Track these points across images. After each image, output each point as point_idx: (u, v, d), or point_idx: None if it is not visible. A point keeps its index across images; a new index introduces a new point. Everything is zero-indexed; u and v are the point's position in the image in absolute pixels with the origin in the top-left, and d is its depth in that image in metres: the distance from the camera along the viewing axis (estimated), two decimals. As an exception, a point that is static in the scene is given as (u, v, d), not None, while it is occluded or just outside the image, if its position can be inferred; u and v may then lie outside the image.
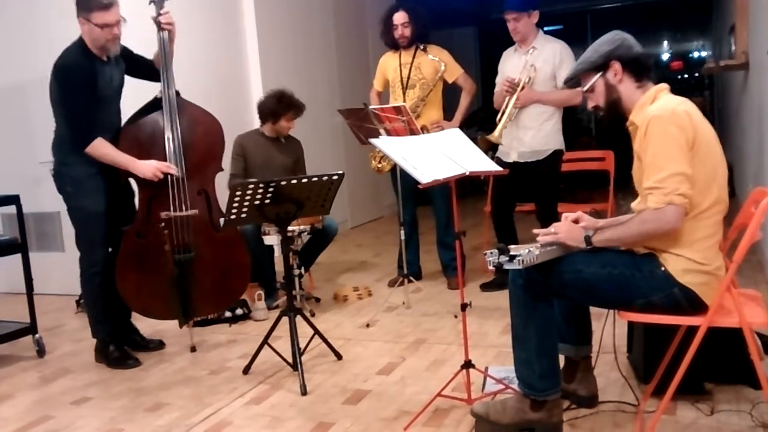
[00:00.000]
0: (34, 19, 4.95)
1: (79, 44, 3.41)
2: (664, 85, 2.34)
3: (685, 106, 2.21)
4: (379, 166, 4.72)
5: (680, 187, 2.12)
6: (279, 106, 4.49)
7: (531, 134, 4.19)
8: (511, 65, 4.30)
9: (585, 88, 2.40)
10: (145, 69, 3.69)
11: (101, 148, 3.42)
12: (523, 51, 4.22)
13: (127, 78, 3.66)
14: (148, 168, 3.48)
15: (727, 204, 2.26)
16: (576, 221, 2.42)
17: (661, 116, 2.17)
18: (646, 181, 2.19)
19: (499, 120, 4.14)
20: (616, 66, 2.32)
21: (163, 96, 3.60)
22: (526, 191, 4.40)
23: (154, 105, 3.64)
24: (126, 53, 3.62)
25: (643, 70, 2.34)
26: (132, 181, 3.65)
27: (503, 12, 4.19)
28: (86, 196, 3.48)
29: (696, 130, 2.17)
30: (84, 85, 3.35)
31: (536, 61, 4.14)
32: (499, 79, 4.37)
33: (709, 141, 2.21)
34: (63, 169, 3.51)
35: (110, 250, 3.56)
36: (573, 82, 2.46)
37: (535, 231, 2.41)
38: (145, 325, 3.91)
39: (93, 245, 3.53)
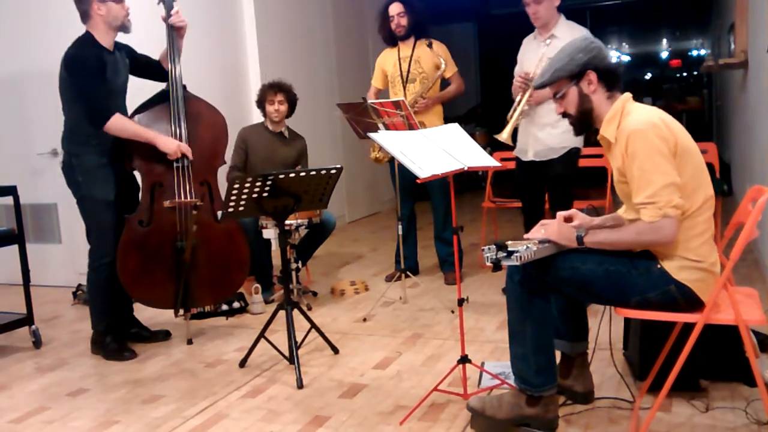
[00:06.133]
0: (33, 12, 4.93)
1: (87, 36, 3.47)
2: (628, 95, 2.34)
3: (659, 113, 2.23)
4: (378, 156, 4.68)
5: (673, 198, 2.13)
6: (262, 90, 4.56)
7: (547, 131, 3.93)
8: (529, 55, 4.02)
9: (558, 95, 2.38)
10: (152, 69, 3.75)
11: (121, 122, 3.46)
12: (543, 39, 3.94)
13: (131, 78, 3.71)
14: (172, 143, 3.54)
15: (713, 198, 2.27)
16: (569, 218, 2.42)
17: (641, 129, 2.17)
18: (636, 196, 2.19)
19: (510, 117, 3.92)
20: (592, 76, 2.31)
21: (170, 89, 3.64)
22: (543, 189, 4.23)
23: (161, 97, 3.69)
24: (131, 53, 3.67)
25: (615, 80, 2.33)
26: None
27: None
28: (97, 186, 3.51)
29: (675, 135, 2.18)
30: (96, 69, 3.41)
31: (552, 52, 3.67)
32: (517, 69, 4.08)
33: (688, 144, 2.22)
34: (74, 160, 3.52)
35: None
36: (545, 88, 2.42)
37: (527, 236, 2.41)
38: (142, 317, 3.91)
39: (103, 236, 3.55)
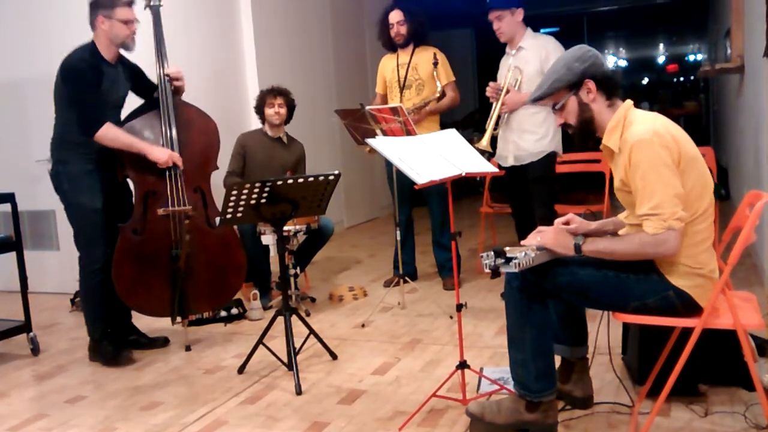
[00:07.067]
0: (32, 17, 4.94)
1: (89, 46, 3.48)
2: (629, 102, 2.33)
3: (661, 121, 2.21)
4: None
5: (677, 210, 2.12)
6: (260, 95, 4.59)
7: (525, 137, 4.05)
8: (502, 71, 4.17)
9: (557, 106, 2.36)
10: (153, 93, 3.72)
11: (113, 132, 3.44)
12: (512, 53, 4.08)
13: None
14: (163, 153, 3.53)
15: (713, 205, 2.26)
16: (567, 223, 2.42)
17: (644, 140, 2.14)
18: (640, 207, 2.17)
19: (487, 126, 4.03)
20: (590, 84, 2.29)
21: (160, 96, 3.63)
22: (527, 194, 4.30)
23: (151, 105, 3.68)
24: (135, 71, 3.69)
25: (614, 88, 2.32)
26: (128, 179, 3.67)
27: (487, 13, 4.03)
28: (83, 193, 3.50)
29: (679, 144, 2.16)
30: (91, 79, 3.40)
31: (519, 61, 4.01)
32: None
33: (692, 151, 2.21)
34: (60, 167, 3.52)
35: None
36: (543, 100, 2.39)
37: (523, 243, 2.41)
38: (140, 324, 3.90)
39: (92, 243, 3.54)
